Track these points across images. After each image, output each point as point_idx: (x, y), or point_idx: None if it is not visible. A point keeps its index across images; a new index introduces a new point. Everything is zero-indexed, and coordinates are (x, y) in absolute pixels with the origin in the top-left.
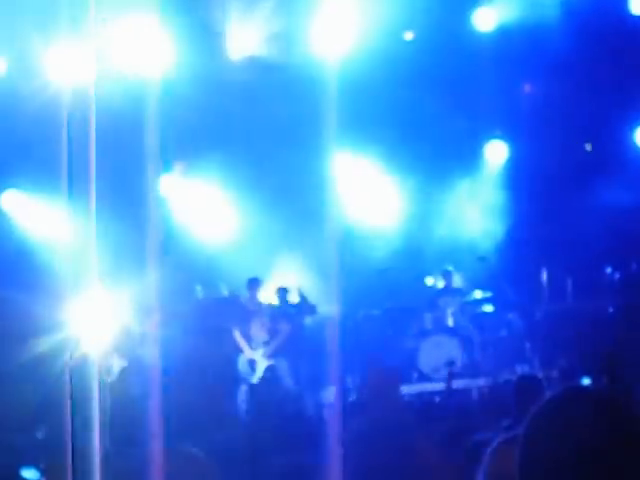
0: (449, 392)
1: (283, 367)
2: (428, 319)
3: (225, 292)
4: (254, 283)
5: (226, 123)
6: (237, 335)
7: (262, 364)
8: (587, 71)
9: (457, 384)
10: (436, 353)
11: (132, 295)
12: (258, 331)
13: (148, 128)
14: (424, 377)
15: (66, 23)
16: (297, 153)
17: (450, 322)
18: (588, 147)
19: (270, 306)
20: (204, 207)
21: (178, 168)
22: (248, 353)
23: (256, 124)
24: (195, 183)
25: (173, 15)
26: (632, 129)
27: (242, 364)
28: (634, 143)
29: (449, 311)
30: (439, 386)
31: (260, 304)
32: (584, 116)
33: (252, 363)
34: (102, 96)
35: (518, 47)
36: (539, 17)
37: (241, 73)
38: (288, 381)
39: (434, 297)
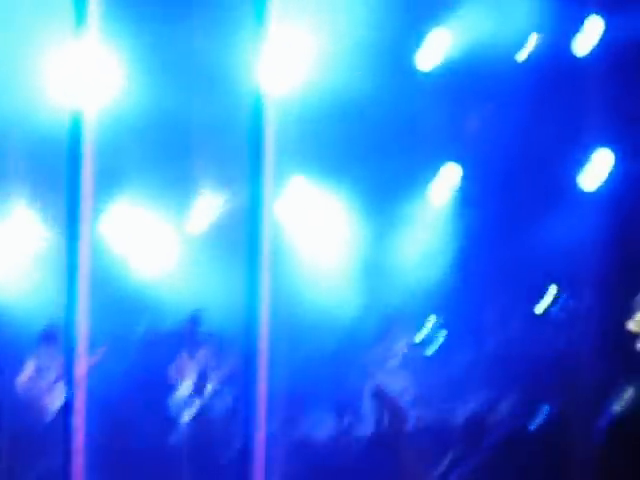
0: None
1: (221, 405)
2: (374, 355)
3: (168, 326)
4: (195, 316)
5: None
6: (175, 369)
7: (199, 400)
8: (532, 110)
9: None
10: (390, 384)
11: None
12: (199, 366)
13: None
14: None
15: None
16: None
17: (403, 352)
18: None
19: (213, 339)
20: (146, 239)
21: None
22: (185, 388)
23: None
24: (137, 217)
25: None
26: (576, 170)
27: (177, 399)
28: (577, 184)
29: (402, 341)
30: None
31: (202, 338)
32: (529, 155)
33: (188, 399)
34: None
35: (462, 84)
36: (483, 55)
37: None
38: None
39: (386, 326)
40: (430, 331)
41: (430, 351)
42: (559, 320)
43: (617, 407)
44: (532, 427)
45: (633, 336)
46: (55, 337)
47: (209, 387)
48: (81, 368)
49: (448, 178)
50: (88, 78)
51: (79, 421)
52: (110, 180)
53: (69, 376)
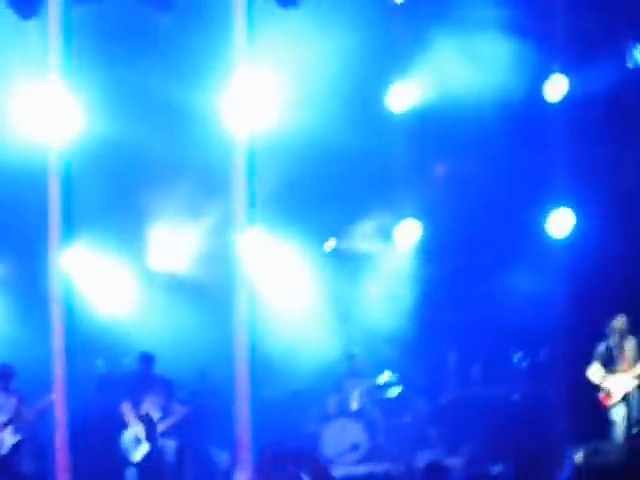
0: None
1: (170, 447)
2: (332, 402)
3: (126, 367)
4: (148, 358)
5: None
6: (126, 409)
7: (151, 442)
8: (501, 156)
9: (361, 469)
10: (340, 437)
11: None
12: (150, 408)
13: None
14: (327, 462)
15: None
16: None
17: (355, 406)
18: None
19: (167, 383)
20: (107, 280)
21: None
22: (136, 429)
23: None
24: (98, 256)
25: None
26: (544, 216)
27: (127, 439)
28: (545, 230)
29: (354, 394)
30: (343, 471)
31: (156, 380)
32: (497, 201)
33: (137, 439)
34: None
35: (432, 128)
36: (454, 99)
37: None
38: (173, 462)
39: (339, 380)
40: (389, 380)
41: (389, 399)
42: (520, 371)
43: (577, 458)
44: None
45: (592, 386)
46: (9, 377)
47: (159, 429)
48: (33, 410)
49: (413, 227)
50: (54, 117)
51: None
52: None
53: (20, 417)
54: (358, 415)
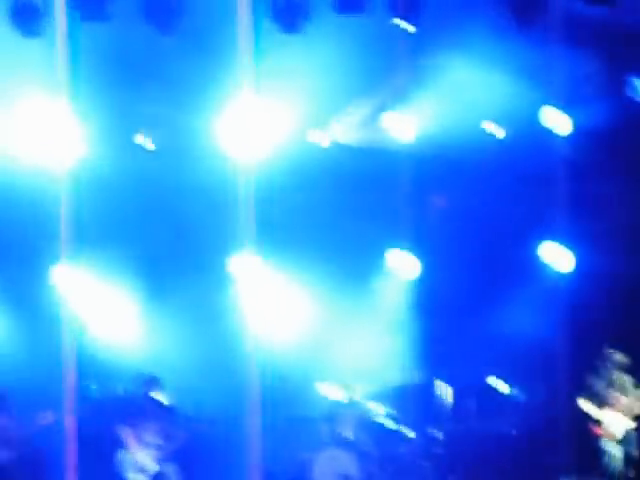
0: None
1: (172, 473)
2: (326, 431)
3: (121, 391)
4: (152, 382)
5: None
6: (127, 435)
7: (151, 467)
8: (501, 189)
9: None
10: (331, 467)
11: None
12: (152, 434)
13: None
14: None
15: None
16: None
17: (348, 435)
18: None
19: (169, 409)
20: (104, 303)
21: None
22: (137, 455)
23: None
24: (98, 278)
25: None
26: (541, 250)
27: (129, 465)
28: (542, 264)
29: (348, 424)
30: None
31: (158, 405)
32: (495, 234)
33: (140, 465)
34: None
35: (431, 158)
36: (454, 131)
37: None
38: None
39: (333, 408)
40: (384, 411)
41: (383, 429)
42: (515, 405)
43: None
44: None
45: (586, 418)
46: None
47: (160, 454)
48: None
49: (410, 258)
50: (57, 138)
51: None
52: (74, 239)
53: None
54: (351, 445)
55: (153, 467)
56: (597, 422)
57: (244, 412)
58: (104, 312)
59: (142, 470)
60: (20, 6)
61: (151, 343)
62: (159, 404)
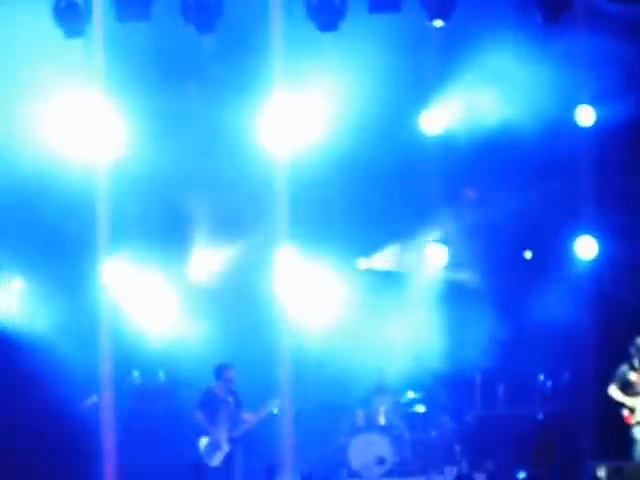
0: None
1: (240, 454)
2: (360, 416)
3: (162, 379)
4: (223, 369)
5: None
6: (200, 418)
7: (224, 448)
8: (529, 179)
9: None
10: (366, 451)
11: None
12: (226, 418)
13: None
14: (353, 474)
15: None
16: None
17: (382, 420)
18: (527, 255)
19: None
20: (147, 294)
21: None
22: (212, 435)
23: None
24: (139, 270)
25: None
26: (570, 240)
27: (203, 446)
28: (573, 252)
29: (381, 409)
30: None
31: (229, 390)
32: (526, 224)
33: (214, 446)
34: None
35: (463, 152)
36: (486, 124)
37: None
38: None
39: (367, 395)
40: (416, 396)
41: (415, 415)
42: (543, 391)
43: (599, 474)
44: None
45: (617, 405)
46: None
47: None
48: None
49: (442, 249)
50: (98, 135)
51: None
52: (115, 234)
53: None
54: (385, 430)
55: (226, 447)
56: (628, 409)
57: (280, 398)
58: (145, 301)
59: (218, 448)
60: (63, 6)
61: (191, 333)
62: (230, 391)
